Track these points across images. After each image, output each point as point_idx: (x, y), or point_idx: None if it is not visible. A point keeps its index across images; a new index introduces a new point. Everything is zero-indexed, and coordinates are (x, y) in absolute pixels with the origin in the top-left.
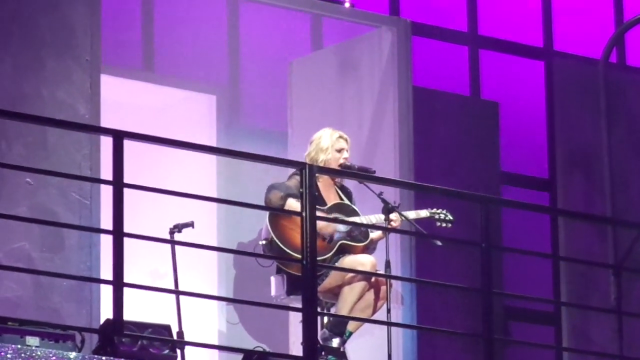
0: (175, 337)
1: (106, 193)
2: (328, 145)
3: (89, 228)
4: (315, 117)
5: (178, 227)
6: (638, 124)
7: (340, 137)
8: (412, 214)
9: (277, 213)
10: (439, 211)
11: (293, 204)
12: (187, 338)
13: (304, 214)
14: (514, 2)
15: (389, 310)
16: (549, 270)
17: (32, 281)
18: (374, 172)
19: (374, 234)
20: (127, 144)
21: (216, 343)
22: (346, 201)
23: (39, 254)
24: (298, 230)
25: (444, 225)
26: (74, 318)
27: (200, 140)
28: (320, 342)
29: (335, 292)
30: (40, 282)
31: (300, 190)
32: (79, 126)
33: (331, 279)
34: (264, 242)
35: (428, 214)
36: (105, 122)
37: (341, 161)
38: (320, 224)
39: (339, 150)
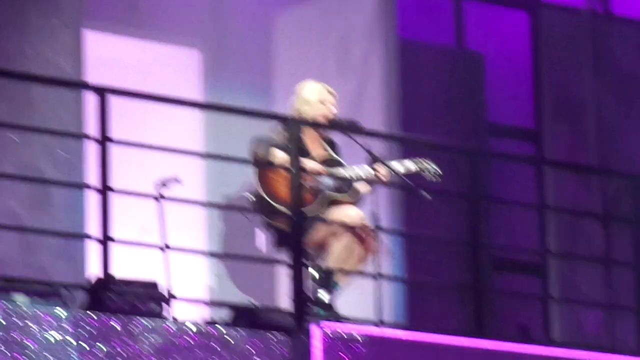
0: (163, 292)
1: (92, 150)
2: (314, 98)
3: (75, 184)
4: (300, 70)
5: (165, 183)
6: (624, 74)
7: (324, 88)
8: (399, 167)
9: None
10: (426, 164)
11: (278, 154)
12: (175, 293)
13: (290, 168)
14: None
15: (377, 263)
16: (536, 221)
17: (19, 239)
18: (361, 125)
19: (361, 187)
20: (112, 100)
21: (205, 298)
22: (332, 154)
23: (25, 212)
24: (284, 182)
25: (433, 179)
26: (62, 275)
27: (186, 95)
28: (309, 295)
29: (323, 246)
30: (27, 240)
31: (286, 143)
32: (64, 83)
33: (319, 232)
34: (250, 195)
35: (414, 167)
36: (89, 79)
37: (327, 114)
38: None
39: (324, 103)
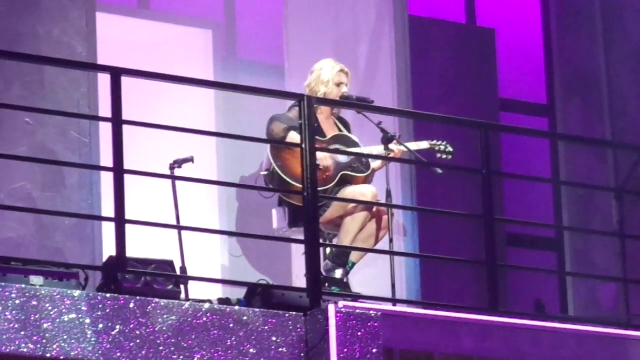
0: (178, 272)
1: (105, 131)
2: (329, 77)
3: (89, 165)
4: (312, 48)
5: (178, 163)
6: (636, 46)
7: (341, 70)
8: (412, 145)
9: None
10: (439, 142)
11: (295, 137)
12: (190, 273)
13: (303, 146)
14: None
15: (391, 240)
16: (550, 196)
17: (34, 221)
18: (372, 102)
19: (374, 164)
20: (125, 81)
21: (219, 277)
22: (345, 132)
23: (40, 194)
24: (299, 162)
25: (444, 156)
26: (77, 256)
27: (198, 75)
28: (323, 273)
29: (336, 223)
30: (42, 222)
31: (300, 121)
32: (77, 64)
33: (332, 210)
34: (265, 172)
35: (428, 145)
36: (102, 60)
37: (340, 94)
38: (319, 155)
39: (339, 84)
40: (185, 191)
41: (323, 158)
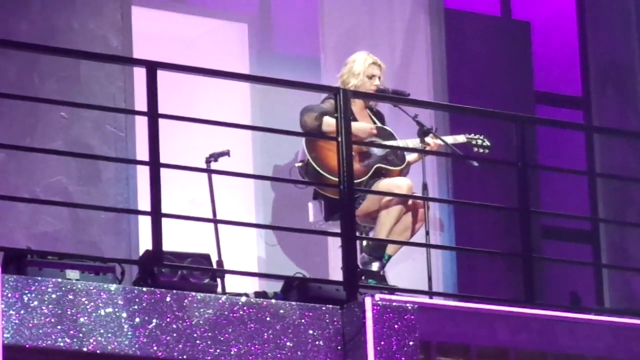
0: (214, 266)
1: (141, 125)
2: (360, 70)
3: (126, 160)
4: (348, 41)
5: (214, 156)
6: None
7: (374, 63)
8: (449, 139)
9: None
10: (476, 137)
11: (329, 122)
12: (226, 266)
13: (339, 139)
14: None
15: (427, 233)
16: (586, 188)
17: (70, 215)
18: (409, 95)
19: (410, 157)
20: (161, 75)
21: (256, 271)
22: (380, 125)
23: (76, 188)
24: (335, 150)
25: (481, 150)
26: (113, 250)
27: (233, 69)
28: (360, 266)
29: (372, 216)
30: (78, 216)
31: (335, 115)
32: (112, 58)
33: (368, 203)
34: (300, 164)
35: (465, 139)
36: (137, 54)
37: (373, 87)
38: (355, 127)
39: (371, 77)
40: (222, 185)
41: (364, 130)
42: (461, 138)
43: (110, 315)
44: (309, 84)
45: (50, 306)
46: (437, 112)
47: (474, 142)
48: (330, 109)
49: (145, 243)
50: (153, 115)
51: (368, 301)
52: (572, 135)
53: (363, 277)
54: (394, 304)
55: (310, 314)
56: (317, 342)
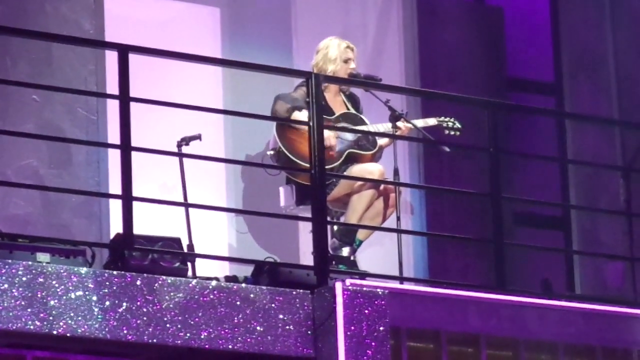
0: (185, 250)
1: (112, 108)
2: (336, 55)
3: (97, 143)
4: (320, 26)
5: (185, 140)
6: None
7: (348, 46)
8: (420, 122)
9: (284, 124)
10: (447, 119)
11: (299, 117)
12: (197, 251)
13: (311, 124)
14: None
15: (398, 218)
16: (557, 175)
17: (41, 198)
18: (380, 80)
19: (382, 142)
20: (132, 58)
21: (226, 255)
22: (353, 110)
23: (47, 171)
24: (305, 141)
25: (452, 133)
26: (84, 234)
27: (205, 53)
28: (331, 251)
29: (344, 201)
30: (49, 199)
31: (307, 100)
32: (84, 41)
33: (340, 188)
34: (271, 152)
35: (436, 122)
36: (109, 37)
37: (349, 71)
38: (326, 134)
39: (346, 61)
40: (193, 169)
41: (327, 138)
42: (432, 121)
43: (81, 298)
44: (281, 68)
45: (20, 289)
46: (409, 97)
47: (445, 124)
48: (302, 98)
49: (116, 226)
50: (124, 98)
51: (339, 286)
52: (544, 120)
53: (334, 262)
54: (365, 289)
55: (281, 298)
56: (287, 327)
